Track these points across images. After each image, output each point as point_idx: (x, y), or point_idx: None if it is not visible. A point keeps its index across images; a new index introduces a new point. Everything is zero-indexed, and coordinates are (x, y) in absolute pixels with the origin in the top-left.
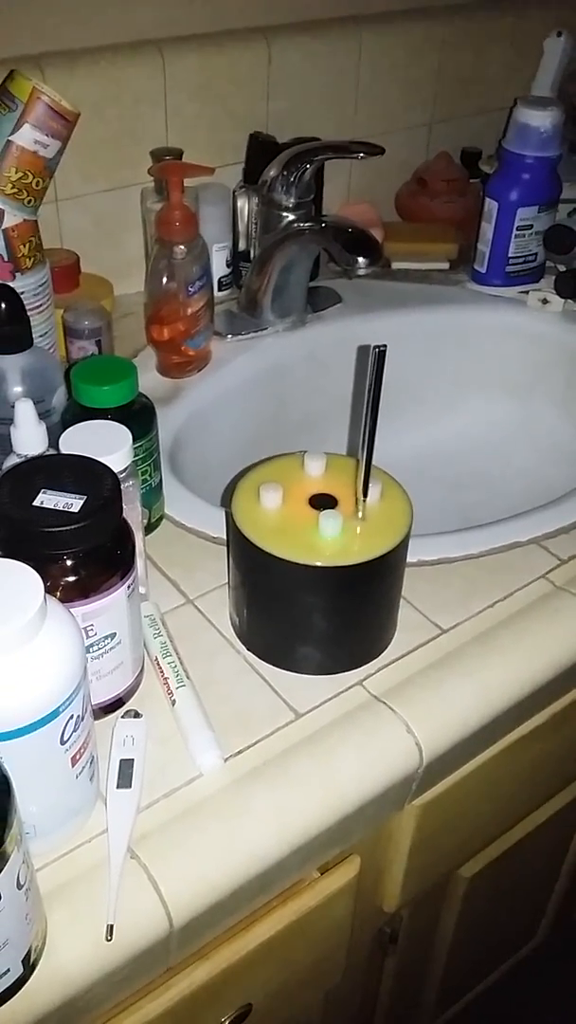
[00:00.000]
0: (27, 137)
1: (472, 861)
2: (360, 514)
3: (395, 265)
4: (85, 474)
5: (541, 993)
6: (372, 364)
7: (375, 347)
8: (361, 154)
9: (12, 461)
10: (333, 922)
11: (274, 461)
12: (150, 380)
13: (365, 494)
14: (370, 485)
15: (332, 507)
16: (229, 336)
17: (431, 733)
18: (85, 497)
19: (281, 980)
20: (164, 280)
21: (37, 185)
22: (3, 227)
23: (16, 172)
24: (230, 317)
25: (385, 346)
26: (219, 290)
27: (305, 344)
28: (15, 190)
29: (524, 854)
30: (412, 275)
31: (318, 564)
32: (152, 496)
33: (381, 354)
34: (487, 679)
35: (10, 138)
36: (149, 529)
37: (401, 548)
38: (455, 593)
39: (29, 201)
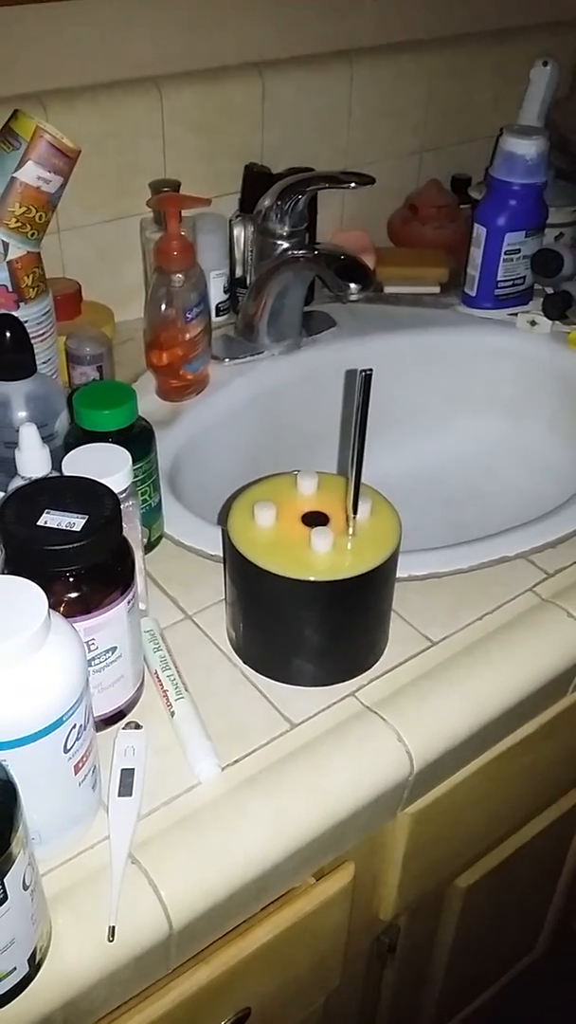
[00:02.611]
0: (30, 174)
1: (468, 872)
2: (351, 530)
3: (388, 289)
4: (87, 495)
5: (541, 1005)
6: (359, 387)
7: (362, 371)
8: (352, 184)
9: (17, 483)
10: (329, 927)
11: (268, 480)
12: (150, 404)
13: (355, 511)
14: (360, 503)
15: (324, 524)
16: (226, 360)
17: (421, 742)
18: (87, 517)
19: (279, 984)
20: (163, 307)
21: (40, 219)
22: (7, 259)
23: (20, 207)
24: (227, 341)
25: (371, 370)
26: (217, 315)
27: (300, 367)
28: (19, 224)
29: (520, 866)
30: (404, 299)
31: (310, 579)
32: (152, 516)
33: (367, 378)
34: (476, 689)
35: (14, 175)
36: (149, 547)
37: (390, 562)
38: (445, 606)
39: (32, 234)
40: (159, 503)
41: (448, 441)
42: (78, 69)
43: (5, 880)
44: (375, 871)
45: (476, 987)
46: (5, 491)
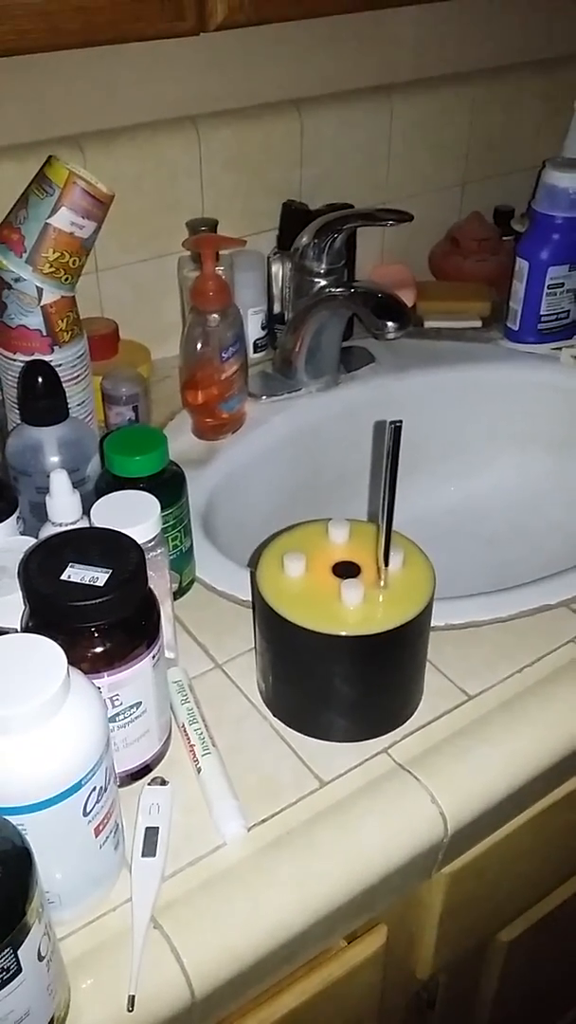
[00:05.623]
0: (64, 220)
1: (511, 926)
2: (382, 582)
3: (428, 324)
4: (111, 547)
5: None
6: (388, 438)
7: (391, 423)
8: (390, 222)
9: (48, 530)
10: (361, 991)
11: (299, 528)
12: (185, 443)
13: (387, 563)
14: (392, 553)
15: (355, 575)
16: (264, 397)
17: (456, 803)
18: (111, 571)
19: None
20: (199, 346)
21: (74, 264)
22: (42, 304)
23: (54, 253)
24: (265, 378)
25: (401, 421)
26: (255, 352)
27: (339, 404)
28: (53, 269)
29: (565, 918)
30: (445, 333)
31: (341, 634)
32: (183, 561)
33: (397, 429)
34: (514, 747)
35: (48, 221)
36: (180, 593)
37: (423, 616)
38: (483, 658)
39: (66, 279)
40: (190, 548)
41: (491, 478)
42: (116, 111)
43: (19, 952)
44: (410, 931)
45: None
46: (37, 537)
